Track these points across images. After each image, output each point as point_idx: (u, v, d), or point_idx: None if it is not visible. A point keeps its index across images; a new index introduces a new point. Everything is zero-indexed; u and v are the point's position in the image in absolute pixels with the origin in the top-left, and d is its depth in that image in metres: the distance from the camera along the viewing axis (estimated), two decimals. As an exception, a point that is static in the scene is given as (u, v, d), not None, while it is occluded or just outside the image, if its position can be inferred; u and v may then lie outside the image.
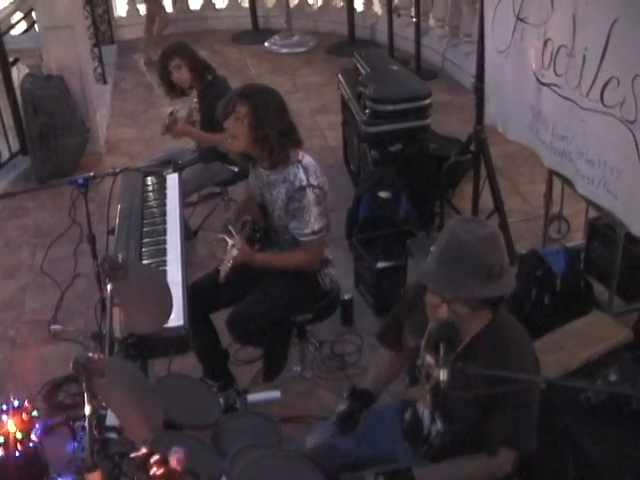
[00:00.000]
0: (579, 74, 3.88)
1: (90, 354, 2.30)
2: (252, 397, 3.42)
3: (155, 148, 6.79)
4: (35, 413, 3.42)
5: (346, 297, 4.68)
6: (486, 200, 5.28)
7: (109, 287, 2.79)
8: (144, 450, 2.20)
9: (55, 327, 4.86)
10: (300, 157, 3.74)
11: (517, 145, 4.83)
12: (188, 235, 5.47)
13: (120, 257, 2.74)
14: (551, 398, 3.31)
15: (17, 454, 3.31)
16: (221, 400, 3.20)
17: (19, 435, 3.27)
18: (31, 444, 3.34)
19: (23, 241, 5.94)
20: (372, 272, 4.78)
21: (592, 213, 4.72)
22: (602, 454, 3.14)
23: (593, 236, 4.69)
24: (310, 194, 3.64)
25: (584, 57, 3.82)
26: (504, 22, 4.51)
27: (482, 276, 2.50)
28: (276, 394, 3.53)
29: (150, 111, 8.08)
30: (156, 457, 2.16)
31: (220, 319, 3.97)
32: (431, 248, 2.66)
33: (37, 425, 3.45)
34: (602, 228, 4.56)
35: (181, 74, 5.21)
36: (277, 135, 3.64)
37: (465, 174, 5.85)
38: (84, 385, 2.27)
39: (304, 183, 3.64)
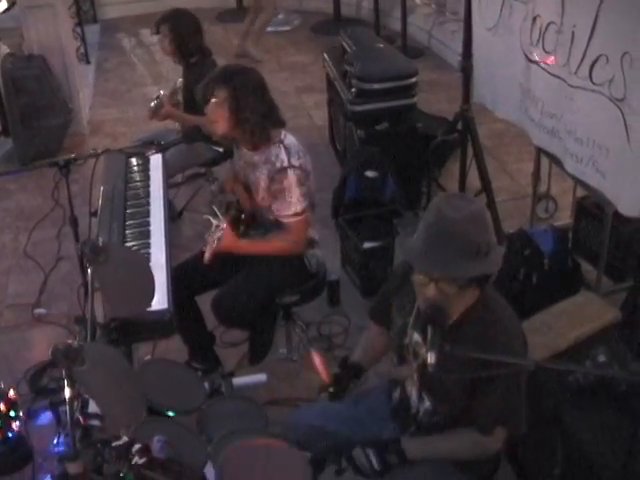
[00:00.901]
0: (568, 51, 3.85)
1: (70, 341, 2.25)
2: (237, 380, 3.39)
3: (139, 129, 6.70)
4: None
5: (332, 278, 4.64)
6: (473, 179, 5.25)
7: (90, 271, 2.74)
8: (125, 439, 2.16)
9: (39, 311, 4.81)
10: (282, 137, 3.69)
11: (504, 124, 4.80)
12: (173, 216, 5.42)
13: (101, 240, 2.68)
14: (540, 379, 3.30)
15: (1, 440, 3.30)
16: (206, 384, 3.16)
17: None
18: (15, 429, 3.32)
19: (5, 224, 5.85)
20: (358, 252, 4.74)
21: (579, 192, 4.70)
22: (590, 435, 3.13)
23: (581, 215, 4.67)
24: (292, 175, 3.60)
25: (573, 34, 3.79)
26: (492, -1, 4.46)
27: (469, 254, 2.47)
28: (262, 377, 3.50)
29: (133, 91, 7.98)
30: (138, 446, 2.13)
31: (206, 301, 3.92)
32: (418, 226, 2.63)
33: (21, 411, 3.45)
34: (590, 207, 4.54)
35: (164, 44, 5.11)
36: (258, 117, 3.61)
37: (452, 153, 5.80)
38: (64, 373, 2.23)
39: (285, 164, 3.60)
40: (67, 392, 2.24)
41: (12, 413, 3.36)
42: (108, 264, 2.70)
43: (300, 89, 7.76)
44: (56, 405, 3.42)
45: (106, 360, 2.34)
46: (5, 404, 3.32)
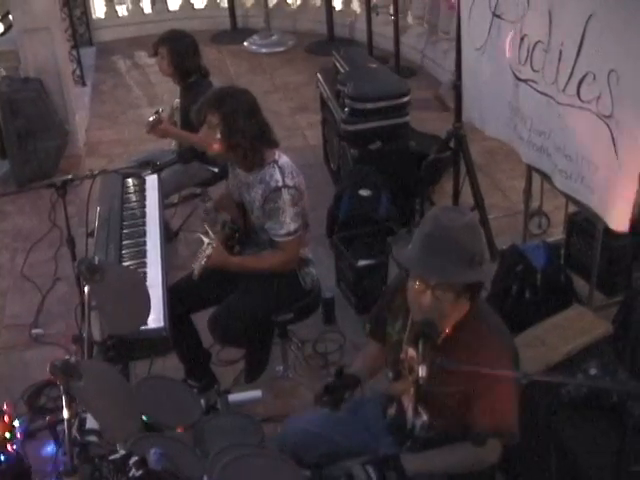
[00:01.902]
0: (556, 69, 3.90)
1: (67, 357, 2.29)
2: (233, 397, 3.41)
3: (135, 149, 6.76)
4: (16, 423, 3.42)
5: (328, 296, 4.68)
6: (466, 196, 5.30)
7: (86, 290, 2.78)
8: (122, 452, 2.19)
9: (36, 331, 4.83)
10: (276, 157, 3.74)
11: (497, 141, 4.85)
12: (169, 236, 5.45)
13: (97, 259, 2.73)
14: (532, 393, 3.33)
15: (-1, 459, 3.32)
16: (202, 401, 3.19)
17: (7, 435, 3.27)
18: (7, 453, 3.34)
19: (3, 245, 5.88)
20: (353, 270, 4.78)
21: (572, 208, 4.74)
22: (583, 447, 3.16)
23: (573, 231, 4.72)
24: (285, 195, 3.64)
25: (560, 52, 3.85)
26: (480, 19, 4.52)
27: (465, 262, 2.54)
28: (257, 394, 3.53)
29: (129, 112, 8.03)
30: (135, 459, 2.16)
31: (202, 319, 3.96)
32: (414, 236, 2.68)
33: (18, 430, 3.46)
34: (581, 223, 4.59)
35: (162, 65, 5.16)
36: (249, 140, 3.65)
37: (445, 171, 5.86)
38: (62, 388, 2.27)
39: (280, 184, 3.64)
40: (65, 408, 2.28)
41: (8, 435, 3.37)
42: (104, 282, 2.74)
43: (294, 109, 7.82)
44: (54, 424, 3.44)
45: (102, 376, 2.38)
46: (2, 425, 3.33)
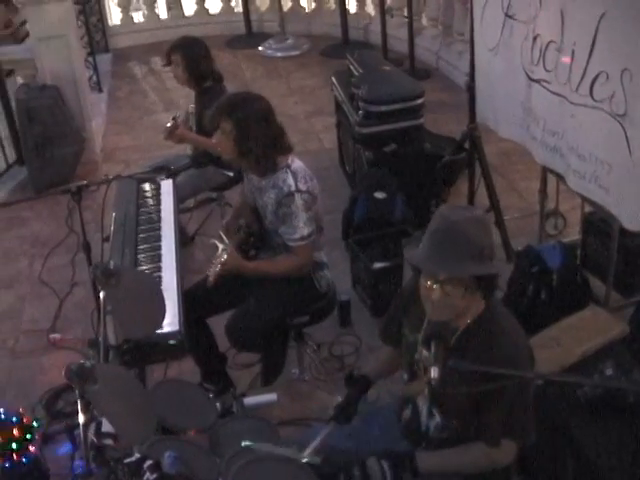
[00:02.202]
0: (568, 69, 3.89)
1: (82, 361, 2.31)
2: (249, 400, 3.43)
3: (151, 155, 6.78)
4: (34, 424, 3.46)
5: (343, 298, 4.69)
6: (482, 198, 5.29)
7: (102, 294, 2.80)
8: (137, 455, 2.21)
9: (54, 336, 4.86)
10: (289, 162, 3.75)
11: (512, 142, 4.83)
12: (185, 240, 5.48)
13: (112, 263, 2.75)
14: (548, 394, 3.33)
15: (17, 463, 3.36)
16: (218, 404, 3.21)
17: (15, 445, 3.31)
18: (29, 455, 3.38)
19: (21, 251, 5.94)
20: (369, 273, 4.78)
21: (588, 208, 4.72)
22: (600, 448, 3.15)
23: (589, 231, 4.70)
24: (298, 199, 3.65)
25: (573, 52, 3.84)
26: (493, 20, 4.52)
27: (473, 255, 2.55)
28: (272, 396, 3.55)
29: (145, 118, 8.09)
30: (149, 462, 2.18)
31: (217, 323, 3.98)
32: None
33: (37, 437, 3.50)
34: (597, 223, 4.57)
35: (177, 71, 5.18)
36: (262, 146, 3.66)
37: (461, 172, 5.84)
38: (77, 392, 2.29)
39: (292, 189, 3.65)
40: (80, 412, 2.30)
41: (28, 436, 3.41)
42: (119, 287, 2.76)
43: (309, 113, 7.83)
44: (71, 428, 3.47)
45: (117, 379, 2.40)
46: (20, 428, 3.37)
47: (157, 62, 9.33)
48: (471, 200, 5.39)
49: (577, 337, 3.58)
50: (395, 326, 3.00)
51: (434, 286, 2.57)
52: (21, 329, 5.05)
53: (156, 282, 3.50)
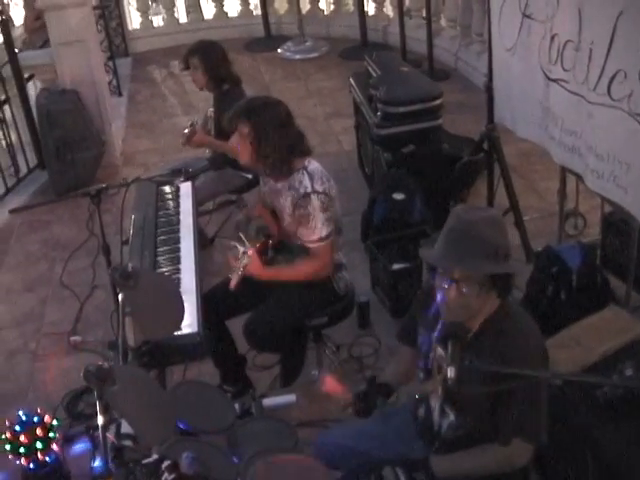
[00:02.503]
0: (586, 68, 3.87)
1: (100, 363, 2.33)
2: (267, 401, 3.43)
3: (171, 158, 6.82)
4: (55, 422, 3.48)
5: (362, 299, 4.69)
6: (502, 198, 5.26)
7: (120, 296, 2.82)
8: (155, 456, 2.22)
9: (75, 338, 4.91)
10: (306, 163, 3.75)
11: (531, 143, 4.81)
12: (205, 243, 5.51)
13: (130, 266, 2.76)
14: (567, 394, 3.31)
15: (42, 463, 3.38)
16: (236, 405, 3.22)
17: (40, 445, 3.33)
18: (52, 454, 3.40)
19: (42, 254, 5.99)
20: (388, 274, 4.78)
21: (607, 208, 4.70)
22: (621, 450, 3.13)
23: (608, 230, 4.68)
24: (315, 200, 3.65)
25: (590, 51, 3.81)
26: (510, 19, 4.51)
27: (488, 254, 2.57)
28: (291, 397, 3.54)
29: (165, 121, 8.14)
30: (167, 463, 2.19)
31: (237, 325, 3.99)
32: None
33: (58, 435, 3.52)
34: (617, 222, 4.55)
35: (196, 75, 5.22)
36: (279, 152, 3.67)
37: (480, 173, 5.83)
38: (96, 393, 2.31)
39: (309, 190, 3.66)
40: (99, 413, 2.31)
41: (51, 434, 3.43)
42: (138, 289, 2.78)
43: (328, 114, 7.85)
44: (92, 430, 3.49)
45: (136, 381, 2.41)
46: (43, 428, 3.40)
47: (176, 66, 9.27)
48: (490, 201, 5.37)
49: (597, 337, 3.56)
50: (413, 327, 3.00)
51: (450, 285, 2.57)
52: (42, 332, 5.10)
53: (175, 284, 3.52)
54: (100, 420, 2.32)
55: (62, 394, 4.35)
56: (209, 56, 5.13)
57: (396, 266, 4.77)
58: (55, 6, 6.62)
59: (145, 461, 2.26)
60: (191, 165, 4.88)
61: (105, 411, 2.33)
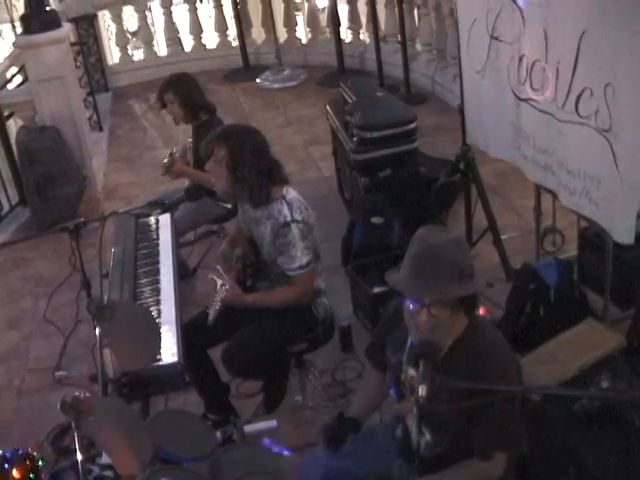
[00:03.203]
0: (554, 87, 3.95)
1: (77, 394, 2.35)
2: (249, 428, 3.45)
3: (152, 191, 6.84)
4: (40, 463, 3.47)
5: (344, 324, 4.72)
6: (480, 218, 5.31)
7: (97, 329, 2.84)
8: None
9: (59, 373, 4.90)
10: (284, 192, 3.78)
11: (508, 162, 4.88)
12: (187, 273, 5.54)
13: (105, 298, 2.79)
14: (546, 409, 3.34)
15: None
16: (219, 433, 3.23)
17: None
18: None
19: (26, 291, 6.00)
20: (368, 298, 4.81)
21: (583, 223, 4.74)
22: (601, 460, 3.15)
23: (584, 246, 4.73)
24: (295, 229, 3.68)
25: (557, 70, 3.89)
26: (479, 42, 4.58)
27: (455, 276, 2.60)
28: (272, 423, 3.55)
29: (145, 154, 8.18)
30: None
31: (219, 354, 4.00)
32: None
33: (43, 473, 3.52)
34: (592, 237, 4.60)
35: (173, 108, 5.26)
36: (256, 175, 3.70)
37: (458, 194, 5.88)
38: (73, 424, 2.33)
39: (288, 219, 3.69)
40: (77, 444, 2.33)
41: (32, 476, 3.42)
42: (114, 320, 2.80)
43: (307, 142, 7.90)
44: (77, 465, 3.49)
45: (112, 410, 2.43)
46: (22, 469, 3.37)
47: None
48: (469, 221, 5.42)
49: (574, 351, 3.59)
50: (380, 347, 3.04)
51: (421, 310, 2.61)
52: (27, 368, 5.10)
53: (151, 314, 3.54)
54: (79, 452, 2.34)
55: (48, 430, 4.34)
56: (182, 88, 5.18)
57: (377, 290, 4.80)
58: (32, 44, 6.70)
59: (123, 491, 2.28)
60: (169, 197, 4.91)
61: (84, 443, 2.35)
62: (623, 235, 3.68)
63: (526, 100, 4.26)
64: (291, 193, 3.82)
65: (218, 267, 3.81)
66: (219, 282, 3.71)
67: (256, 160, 3.72)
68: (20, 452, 3.45)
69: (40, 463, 3.48)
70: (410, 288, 2.66)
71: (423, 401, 2.32)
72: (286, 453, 3.08)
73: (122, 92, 10.06)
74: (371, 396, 3.17)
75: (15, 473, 3.32)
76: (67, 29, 7.07)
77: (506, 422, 2.65)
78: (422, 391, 2.32)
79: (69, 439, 4.28)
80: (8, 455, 3.41)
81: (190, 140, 5.47)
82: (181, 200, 4.42)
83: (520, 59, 4.23)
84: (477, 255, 5.44)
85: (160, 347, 3.01)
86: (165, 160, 5.29)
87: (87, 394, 2.36)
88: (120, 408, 2.53)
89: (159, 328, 3.06)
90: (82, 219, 3.94)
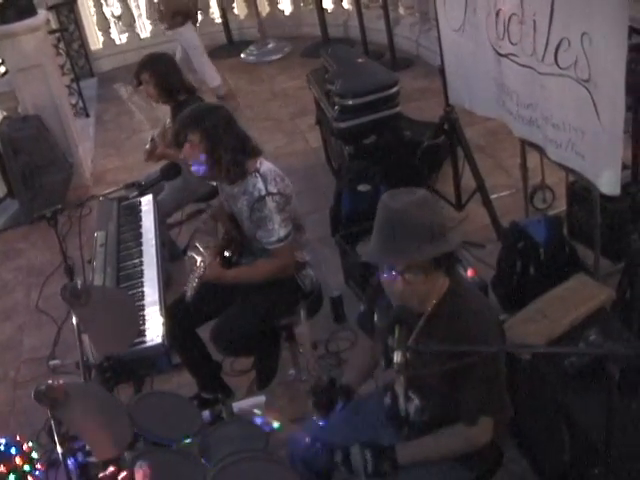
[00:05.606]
0: (532, 40, 3.88)
1: (50, 381, 2.31)
2: (237, 405, 3.42)
3: (139, 174, 6.71)
4: (34, 454, 3.44)
5: (335, 294, 4.68)
6: (470, 179, 5.25)
7: (74, 315, 2.80)
8: (111, 469, 2.21)
9: (54, 362, 4.86)
10: (258, 165, 3.72)
11: (498, 121, 4.80)
12: (177, 254, 5.48)
13: (79, 283, 2.74)
14: (537, 367, 3.30)
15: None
16: (208, 412, 3.20)
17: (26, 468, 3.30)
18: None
19: (18, 282, 5.98)
20: (358, 266, 4.76)
21: (572, 178, 4.68)
22: (593, 418, 3.10)
23: (573, 200, 4.68)
24: (270, 202, 3.63)
25: (534, 22, 3.83)
26: (455, 0, 4.50)
27: (424, 238, 2.53)
28: (261, 399, 3.53)
29: (133, 137, 8.13)
30: (123, 474, 2.17)
31: (208, 332, 3.97)
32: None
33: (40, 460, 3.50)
34: (580, 191, 4.55)
35: (148, 89, 5.19)
36: (231, 153, 3.64)
37: (446, 157, 5.81)
38: (48, 412, 2.29)
39: (263, 192, 3.63)
40: (54, 431, 2.30)
41: (27, 467, 3.40)
42: (89, 305, 2.75)
43: (294, 114, 7.83)
44: (73, 452, 3.47)
45: (88, 395, 2.40)
46: (19, 459, 3.36)
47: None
48: (457, 183, 5.36)
49: (564, 307, 3.53)
50: (370, 314, 2.99)
51: (395, 278, 2.55)
52: (21, 359, 5.08)
53: (129, 297, 3.50)
54: (56, 439, 2.31)
55: (44, 419, 4.31)
56: (158, 68, 5.10)
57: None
58: (8, 34, 6.60)
59: (101, 474, 2.25)
60: (145, 178, 4.86)
61: (60, 431, 2.32)
62: (609, 186, 3.62)
63: (506, 55, 4.19)
64: (265, 165, 3.76)
65: (197, 244, 3.76)
66: (198, 259, 3.66)
67: (230, 138, 3.67)
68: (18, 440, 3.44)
69: (34, 454, 3.46)
70: (380, 257, 2.61)
71: (398, 367, 2.27)
72: (275, 428, 3.04)
73: (107, 77, 9.99)
74: (363, 364, 3.13)
75: (17, 460, 3.31)
76: (43, 16, 6.96)
77: (490, 386, 2.61)
78: (397, 357, 2.27)
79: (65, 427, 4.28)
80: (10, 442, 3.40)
81: (169, 121, 5.40)
82: (157, 180, 4.37)
83: (497, 14, 4.16)
84: (467, 216, 5.41)
85: (138, 330, 2.96)
86: (147, 146, 5.24)
87: (60, 382, 2.31)
88: (95, 393, 2.49)
89: (137, 310, 3.01)
90: (59, 206, 3.89)
